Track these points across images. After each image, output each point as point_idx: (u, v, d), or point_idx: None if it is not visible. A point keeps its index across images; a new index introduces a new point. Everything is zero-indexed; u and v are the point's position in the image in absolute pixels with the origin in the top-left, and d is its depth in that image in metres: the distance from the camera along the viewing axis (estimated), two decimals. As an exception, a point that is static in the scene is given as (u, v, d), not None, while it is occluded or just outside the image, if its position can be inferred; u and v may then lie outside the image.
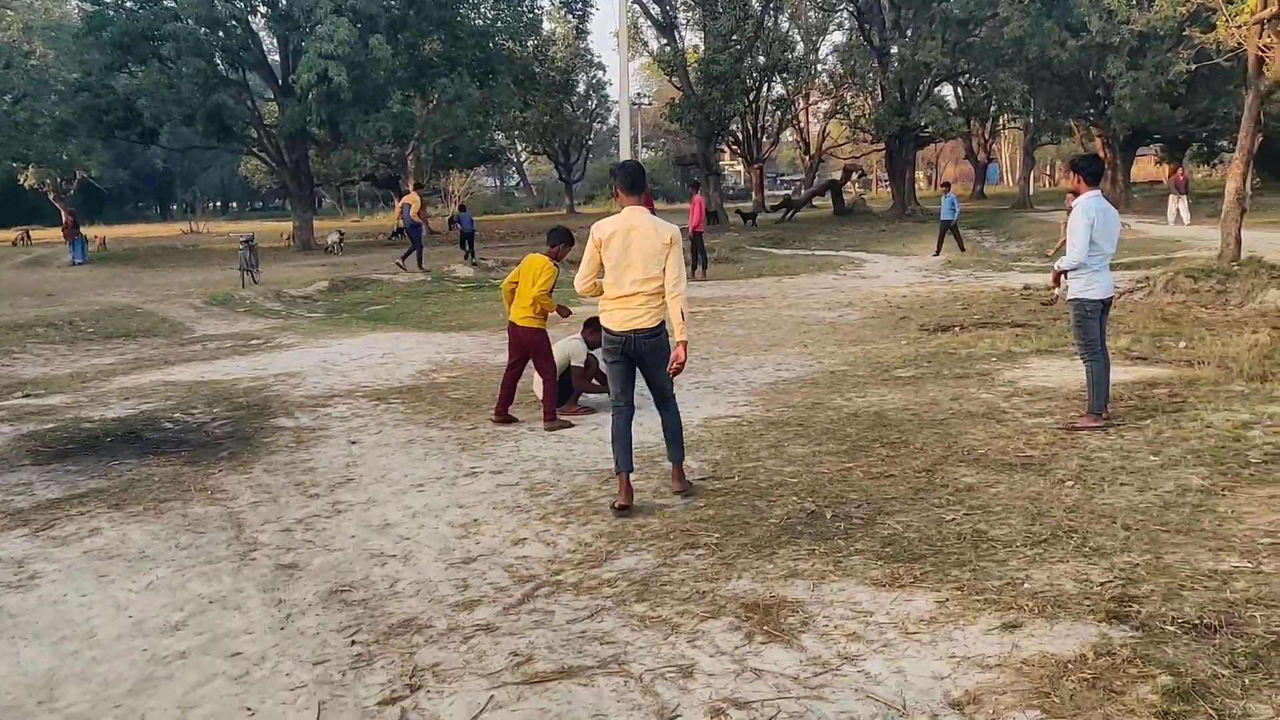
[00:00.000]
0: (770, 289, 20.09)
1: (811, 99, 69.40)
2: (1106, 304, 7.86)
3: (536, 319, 8.59)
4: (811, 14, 61.08)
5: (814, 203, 58.13)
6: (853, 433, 7.91)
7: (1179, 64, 39.16)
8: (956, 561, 5.16)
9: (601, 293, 6.42)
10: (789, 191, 64.33)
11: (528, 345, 8.61)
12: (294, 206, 36.17)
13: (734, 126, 55.20)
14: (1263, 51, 17.05)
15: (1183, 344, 11.37)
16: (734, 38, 37.41)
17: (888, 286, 19.76)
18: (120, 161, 77.23)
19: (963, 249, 27.16)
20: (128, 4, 32.23)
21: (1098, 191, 7.72)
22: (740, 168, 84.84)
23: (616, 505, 6.31)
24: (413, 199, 25.42)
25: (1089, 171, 7.76)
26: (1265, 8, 16.67)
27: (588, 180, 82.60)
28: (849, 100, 60.64)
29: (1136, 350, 11.00)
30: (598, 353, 9.45)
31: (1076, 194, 7.85)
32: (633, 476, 6.70)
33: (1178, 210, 33.38)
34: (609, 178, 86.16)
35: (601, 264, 6.37)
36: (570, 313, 9.10)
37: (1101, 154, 61.23)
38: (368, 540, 6.05)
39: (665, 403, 6.64)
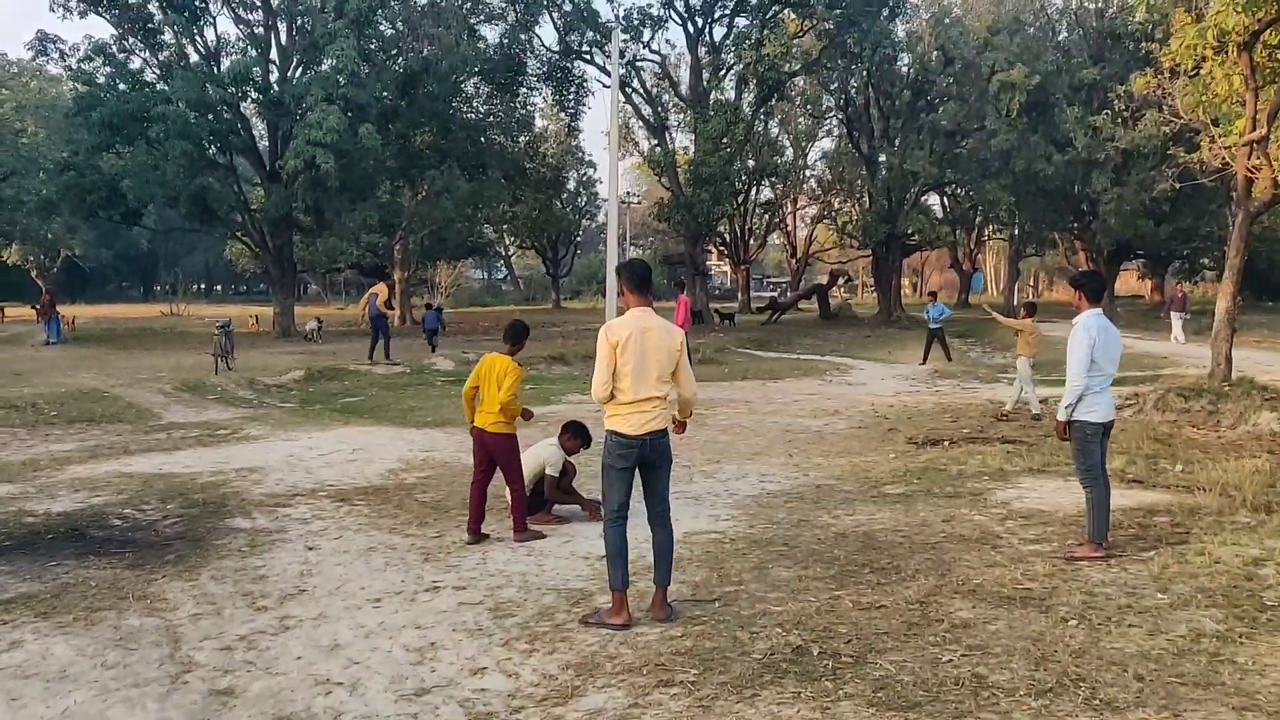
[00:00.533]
0: (754, 393, 19.74)
1: (799, 204, 70.19)
2: (1108, 427, 7.51)
3: (505, 424, 8.11)
4: (801, 120, 61.98)
5: (799, 306, 58.30)
6: (841, 555, 7.46)
7: (1162, 182, 39.69)
8: (956, 711, 4.70)
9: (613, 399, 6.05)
10: (775, 294, 64.51)
11: (496, 453, 8.12)
12: (275, 292, 35.83)
13: (722, 228, 55.57)
14: (1251, 173, 17.02)
15: (1179, 467, 11.02)
16: (724, 140, 37.63)
17: (874, 395, 19.44)
18: (104, 241, 77.22)
19: (949, 358, 26.96)
20: (120, 86, 32.24)
21: (1098, 309, 7.42)
22: (727, 268, 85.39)
23: (618, 624, 5.97)
24: (380, 289, 25.09)
25: (1090, 288, 7.48)
26: (1254, 130, 16.68)
27: (574, 275, 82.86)
28: (836, 206, 61.22)
29: (1132, 473, 10.63)
30: (572, 460, 9.04)
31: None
32: (604, 598, 6.27)
33: (1180, 326, 33.35)
34: (598, 273, 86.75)
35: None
36: (533, 416, 8.64)
37: (1085, 267, 62.11)
38: (314, 664, 5.54)
39: (664, 516, 6.27)
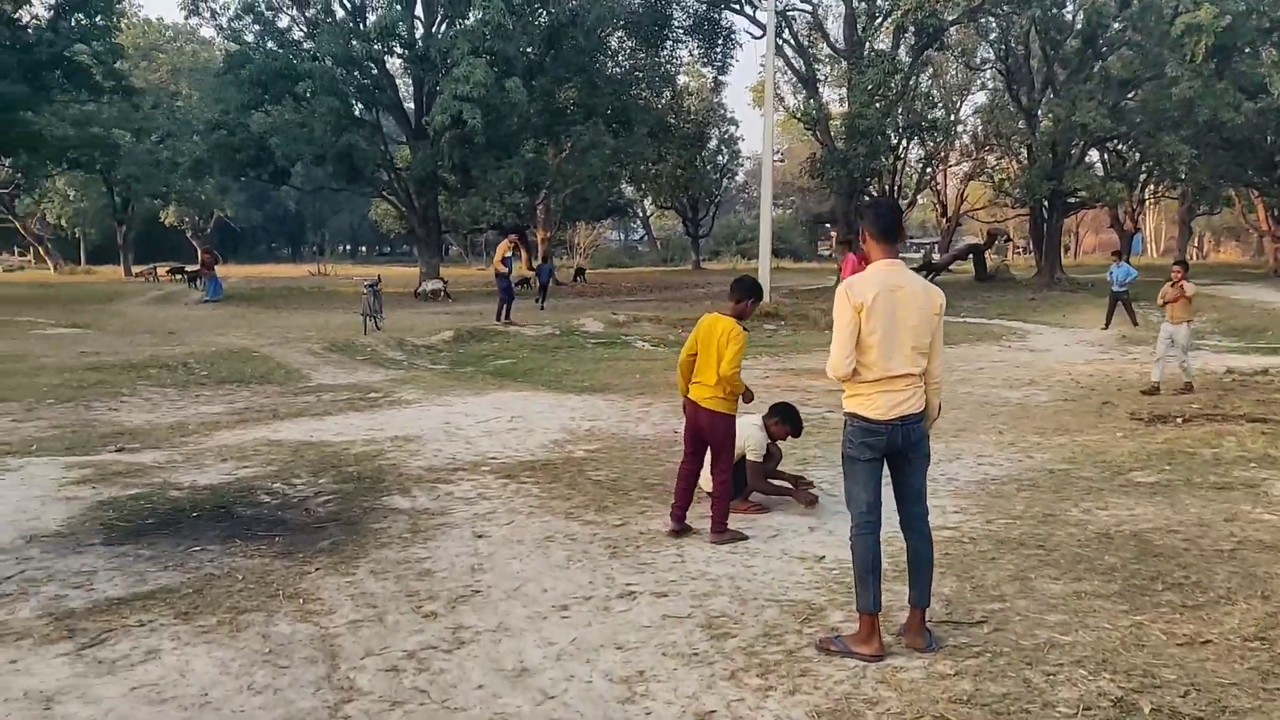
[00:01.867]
0: (931, 359, 18.20)
1: (950, 160, 67.16)
2: None
3: (726, 401, 6.76)
4: (952, 73, 59.12)
5: (951, 267, 55.78)
6: (1116, 564, 6.10)
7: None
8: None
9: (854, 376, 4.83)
10: (926, 252, 62.01)
11: (710, 434, 6.80)
12: (421, 252, 35.48)
13: (871, 186, 53.36)
14: None
15: None
16: (881, 92, 35.66)
17: (1065, 362, 17.74)
18: (255, 203, 78.86)
19: (1135, 323, 24.82)
20: (269, 44, 32.06)
21: None
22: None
23: (868, 654, 4.77)
24: (502, 247, 24.03)
25: None
26: None
27: (714, 236, 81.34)
28: (992, 163, 58.24)
29: None
30: (778, 446, 7.83)
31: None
32: (837, 615, 5.10)
33: None
34: (736, 234, 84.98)
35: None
36: (754, 397, 7.26)
37: (1265, 226, 58.04)
38: (499, 695, 4.48)
39: (921, 521, 5.04)
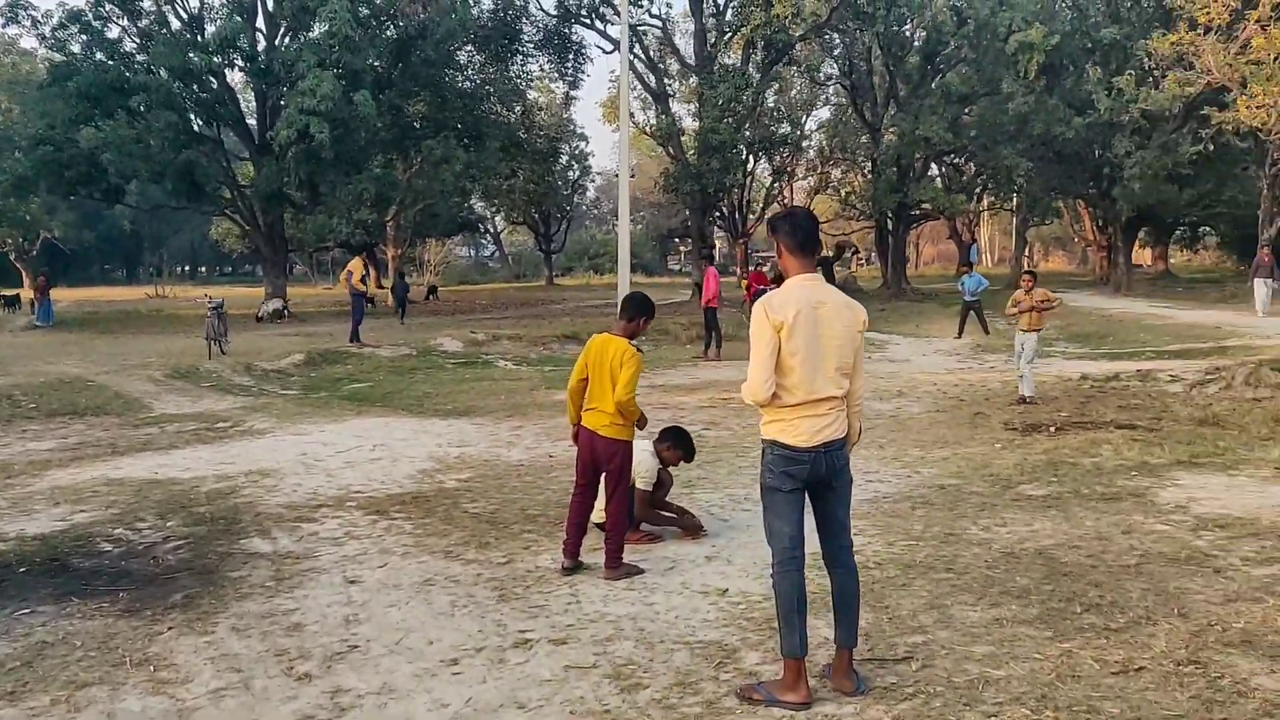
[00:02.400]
0: (797, 372, 18.16)
1: (796, 175, 68.32)
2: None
3: (623, 427, 6.32)
4: (797, 89, 60.17)
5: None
6: (1029, 585, 5.89)
7: (1185, 145, 38.19)
8: None
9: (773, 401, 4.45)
10: (773, 265, 62.77)
11: (607, 462, 6.35)
12: (267, 272, 34.07)
13: (724, 201, 53.76)
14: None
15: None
16: (733, 106, 35.89)
17: (928, 372, 17.91)
18: (86, 222, 74.83)
19: (987, 332, 25.41)
20: (98, 55, 30.32)
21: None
22: (720, 243, 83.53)
23: (796, 702, 4.39)
24: (355, 265, 23.13)
25: None
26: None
27: (566, 252, 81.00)
28: (837, 177, 59.46)
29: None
30: (669, 473, 7.43)
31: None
32: (753, 656, 4.74)
33: (1266, 296, 28.78)
34: (589, 249, 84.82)
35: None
36: (647, 422, 6.81)
37: (1091, 235, 60.74)
38: (391, 774, 3.96)
39: (846, 554, 4.69)
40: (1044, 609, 5.49)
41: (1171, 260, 67.10)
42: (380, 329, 25.99)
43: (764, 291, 26.80)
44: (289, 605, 5.89)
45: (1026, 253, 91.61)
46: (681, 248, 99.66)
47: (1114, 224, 46.57)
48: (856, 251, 66.75)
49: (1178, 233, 64.95)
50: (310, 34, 29.92)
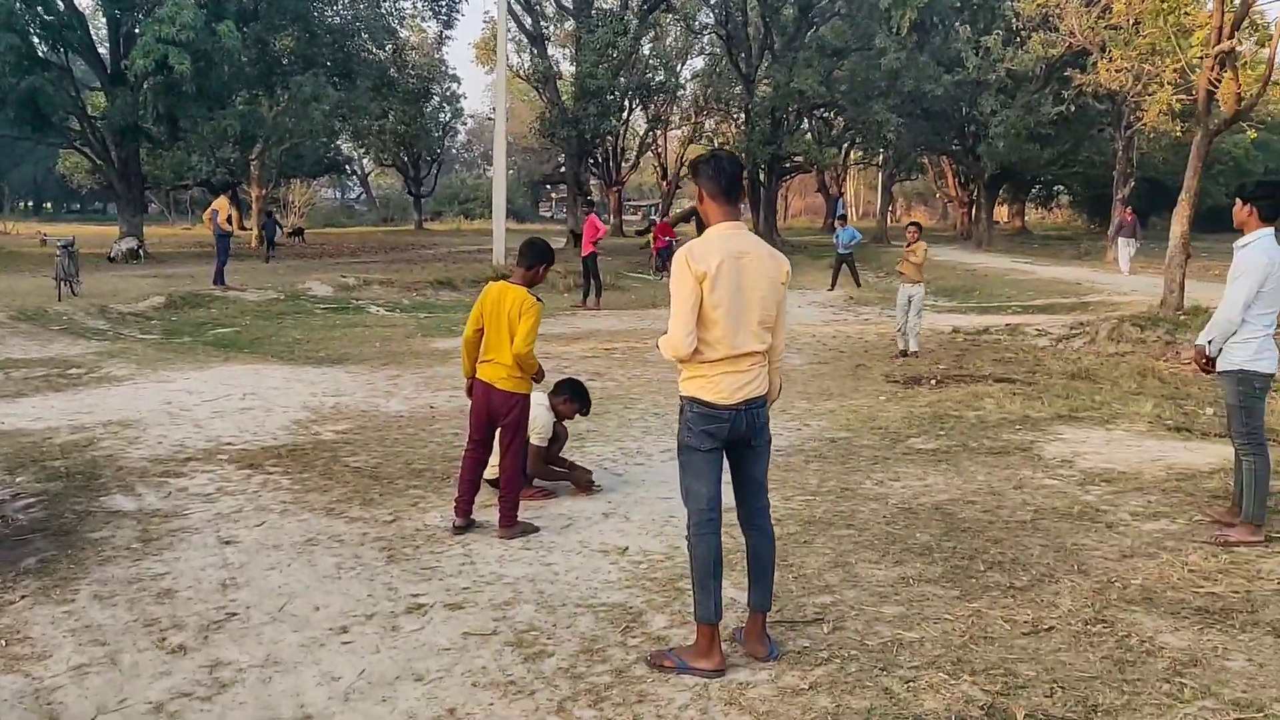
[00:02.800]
0: (677, 323, 18.03)
1: (671, 124, 68.05)
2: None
3: (521, 380, 6.04)
4: (672, 38, 59.83)
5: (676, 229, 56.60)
6: (930, 542, 5.85)
7: (1047, 105, 39.23)
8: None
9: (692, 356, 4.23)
10: (645, 215, 62.68)
11: (504, 416, 6.05)
12: (121, 211, 32.26)
13: (600, 147, 53.25)
14: (1213, 86, 15.94)
15: (1210, 410, 9.80)
16: (611, 52, 35.40)
17: (805, 324, 17.98)
18: (-84, 153, 70.31)
19: (859, 284, 25.75)
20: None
21: (1271, 229, 5.90)
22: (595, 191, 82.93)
23: (709, 669, 4.21)
24: (221, 204, 21.87)
25: (1270, 201, 5.91)
26: (1219, 40, 15.55)
27: (435, 196, 79.36)
28: (711, 127, 59.47)
29: (1170, 419, 9.33)
30: (564, 426, 7.18)
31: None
32: (660, 620, 4.57)
33: (1128, 255, 29.46)
34: (459, 194, 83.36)
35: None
36: (544, 376, 6.53)
37: (953, 191, 62.25)
38: (280, 756, 3.65)
39: (762, 514, 4.49)
40: (948, 567, 5.44)
41: (1026, 218, 69.30)
42: (245, 271, 24.98)
43: (671, 244, 26.51)
44: (158, 569, 5.47)
45: (890, 207, 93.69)
46: (553, 194, 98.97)
47: (977, 181, 47.64)
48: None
49: (1034, 191, 67.05)
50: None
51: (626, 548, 5.83)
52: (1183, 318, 15.82)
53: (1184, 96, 33.11)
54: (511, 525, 6.03)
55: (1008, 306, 21.59)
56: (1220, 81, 15.97)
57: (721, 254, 4.16)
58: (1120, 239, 29.93)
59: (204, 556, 5.67)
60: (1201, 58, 15.82)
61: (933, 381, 11.42)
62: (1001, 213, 69.74)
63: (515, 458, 6.06)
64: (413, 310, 19.97)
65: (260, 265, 28.78)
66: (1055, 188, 69.59)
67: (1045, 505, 6.57)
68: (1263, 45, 16.36)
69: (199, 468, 7.58)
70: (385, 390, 11.06)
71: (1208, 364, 6.06)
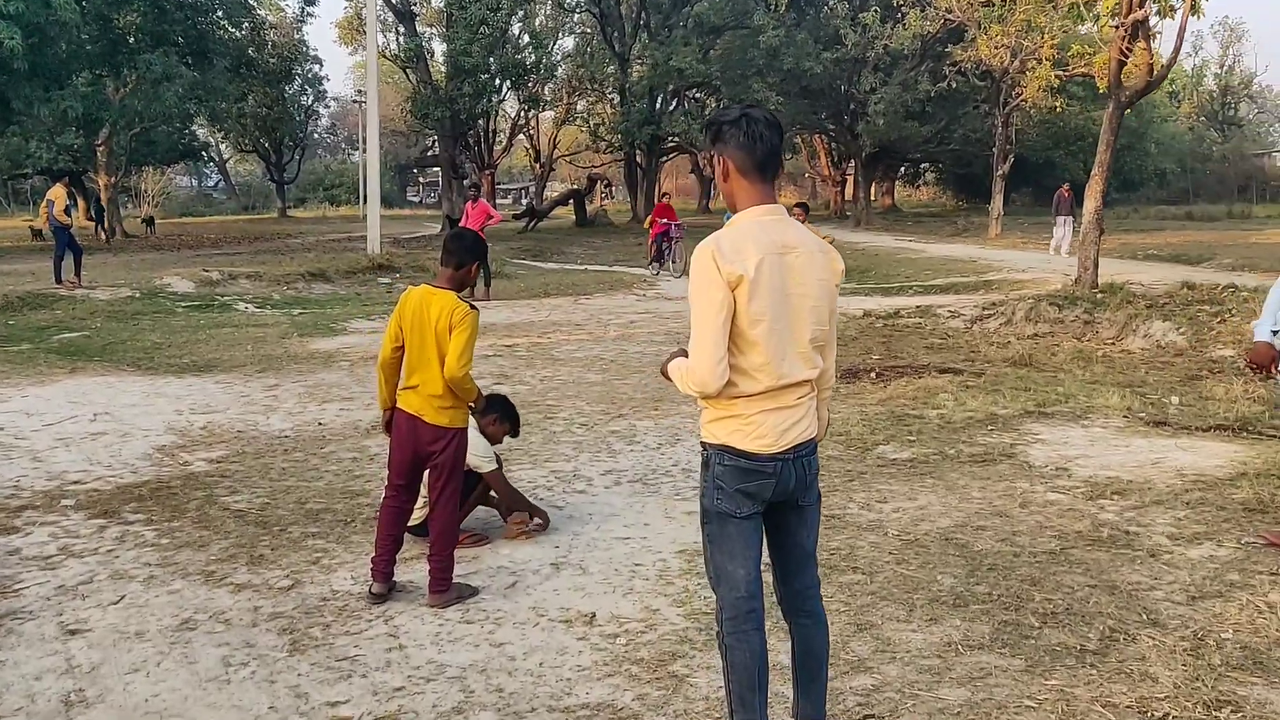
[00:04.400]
0: (577, 313, 16.86)
1: (543, 105, 66.46)
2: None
3: (455, 410, 4.82)
4: (542, 17, 58.34)
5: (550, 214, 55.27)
6: (957, 586, 4.84)
7: (924, 82, 39.16)
8: None
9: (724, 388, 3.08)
10: (529, 201, 61.09)
11: (434, 454, 4.80)
12: (-51, 201, 29.62)
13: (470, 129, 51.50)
14: (1123, 57, 15.42)
15: (1176, 399, 9.10)
16: (483, 29, 33.90)
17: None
18: None
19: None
20: None
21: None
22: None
23: None
24: (57, 194, 19.81)
25: None
26: (1131, 10, 15.02)
27: (299, 183, 76.29)
28: (584, 108, 58.18)
29: (1144, 412, 8.57)
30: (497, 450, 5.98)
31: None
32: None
33: (1062, 235, 26.94)
34: (323, 179, 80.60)
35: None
36: (484, 401, 5.38)
37: (826, 170, 62.40)
38: None
39: (813, 592, 3.39)
40: (994, 624, 4.42)
41: (899, 196, 70.07)
42: (95, 266, 22.85)
43: (671, 228, 24.67)
44: (-21, 677, 4.10)
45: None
46: (421, 179, 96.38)
47: (856, 158, 47.47)
48: (609, 184, 66.03)
49: (902, 169, 67.67)
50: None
51: (594, 614, 4.67)
52: (1100, 296, 15.31)
53: (1060, 73, 33.41)
54: (445, 590, 4.79)
55: (909, 287, 20.99)
56: (1130, 52, 15.48)
57: (761, 249, 3.03)
58: (1060, 217, 27.41)
59: (40, 656, 4.30)
60: (1115, 27, 15.21)
61: (872, 375, 10.51)
62: (872, 191, 70.29)
63: (449, 507, 4.82)
64: (285, 306, 18.32)
65: (110, 260, 26.54)
66: (922, 165, 70.38)
67: (1066, 529, 5.64)
68: (1165, 16, 15.87)
69: (37, 519, 6.13)
70: (263, 404, 9.63)
71: (1273, 363, 5.16)
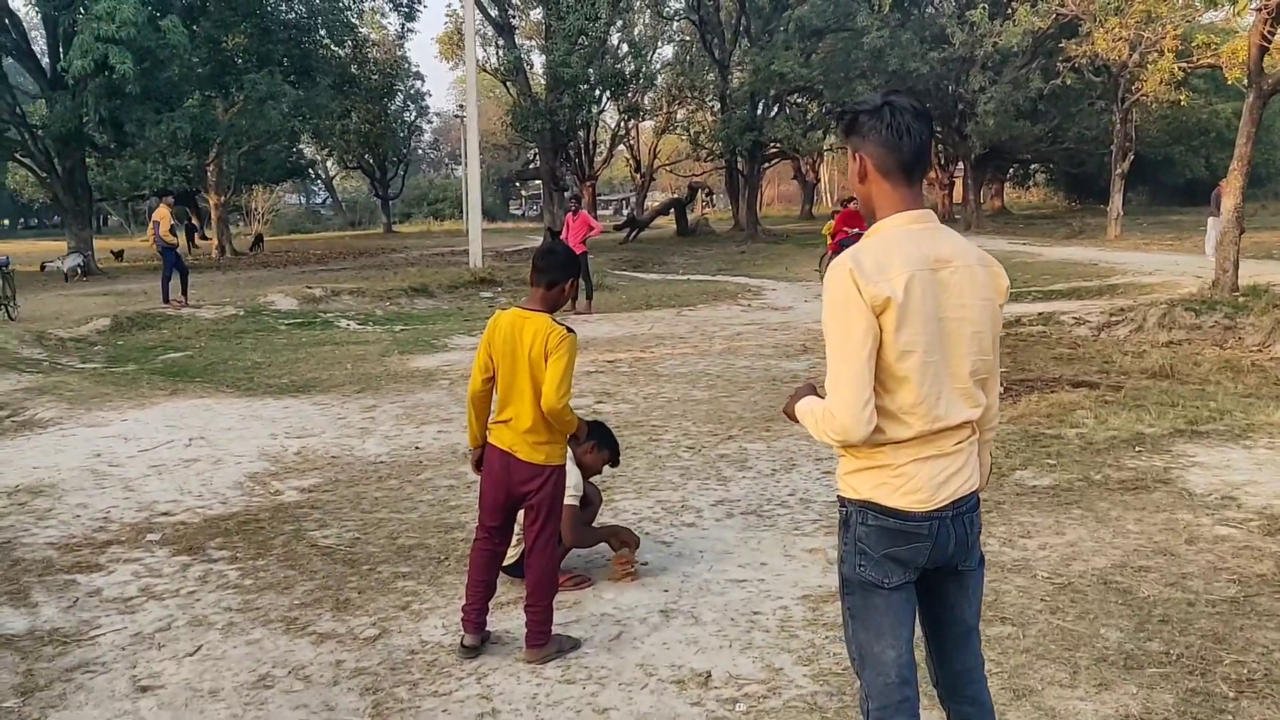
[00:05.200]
0: (680, 325, 16.35)
1: (643, 114, 66.19)
2: None
3: (551, 445, 4.35)
4: (640, 27, 58.13)
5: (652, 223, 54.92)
6: (1125, 642, 4.21)
7: (1035, 80, 37.86)
8: None
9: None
10: (631, 211, 60.87)
11: (529, 493, 4.34)
12: (69, 224, 30.30)
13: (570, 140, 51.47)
14: (1265, 43, 14.40)
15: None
16: (582, 40, 33.67)
17: (819, 323, 16.33)
18: None
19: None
20: None
21: None
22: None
23: None
24: (162, 214, 19.83)
25: None
26: (1272, -7, 13.99)
27: (403, 198, 77.32)
28: (686, 115, 57.67)
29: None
30: (594, 484, 5.52)
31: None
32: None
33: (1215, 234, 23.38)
34: (427, 194, 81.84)
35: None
36: (587, 433, 4.90)
37: (934, 174, 61.02)
38: None
39: (976, 675, 2.86)
40: (1179, 694, 3.79)
41: (1009, 198, 68.09)
42: (203, 285, 23.14)
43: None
44: (40, 744, 3.76)
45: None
46: (524, 192, 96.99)
47: (965, 160, 46.15)
48: (710, 192, 65.51)
49: (1012, 170, 65.71)
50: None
51: (709, 673, 4.16)
52: (1241, 299, 14.30)
53: (1184, 64, 31.89)
54: (544, 643, 4.32)
55: (1028, 292, 20.01)
56: (1272, 37, 14.46)
57: (910, 265, 2.51)
58: (1210, 218, 24.05)
59: (109, 717, 3.95)
60: (1258, 10, 14.20)
61: (1001, 389, 9.80)
62: (980, 193, 68.43)
63: (547, 552, 4.35)
64: (387, 322, 18.19)
65: (219, 278, 26.91)
66: (1032, 166, 68.30)
67: (1245, 571, 4.95)
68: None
69: (121, 554, 5.85)
70: (360, 426, 9.33)
71: None
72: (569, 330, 4.25)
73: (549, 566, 4.38)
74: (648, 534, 5.87)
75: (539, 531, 4.33)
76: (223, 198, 40.47)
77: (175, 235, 19.64)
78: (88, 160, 31.08)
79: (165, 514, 6.66)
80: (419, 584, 5.26)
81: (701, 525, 6.12)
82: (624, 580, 5.20)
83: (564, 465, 4.43)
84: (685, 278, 27.10)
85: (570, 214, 19.31)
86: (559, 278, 4.33)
